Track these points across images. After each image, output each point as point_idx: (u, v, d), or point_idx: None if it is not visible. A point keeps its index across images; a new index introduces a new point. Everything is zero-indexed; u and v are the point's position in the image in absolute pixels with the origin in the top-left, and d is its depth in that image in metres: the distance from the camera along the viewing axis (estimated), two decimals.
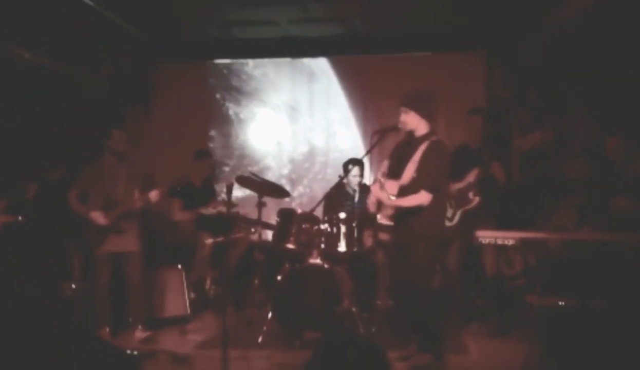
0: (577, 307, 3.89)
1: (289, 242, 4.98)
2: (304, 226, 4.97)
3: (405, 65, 7.00)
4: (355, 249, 4.95)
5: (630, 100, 5.31)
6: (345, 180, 5.55)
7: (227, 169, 7.46)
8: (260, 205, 5.30)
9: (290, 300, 4.81)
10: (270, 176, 7.13)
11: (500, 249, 4.70)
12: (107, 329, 4.97)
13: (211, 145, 7.42)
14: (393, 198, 4.17)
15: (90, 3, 5.50)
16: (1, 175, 5.28)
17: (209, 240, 5.87)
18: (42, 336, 3.41)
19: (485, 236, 4.22)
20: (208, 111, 7.48)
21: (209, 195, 6.23)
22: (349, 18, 6.48)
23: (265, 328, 4.81)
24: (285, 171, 7.43)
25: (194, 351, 4.79)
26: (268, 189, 5.33)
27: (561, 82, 6.10)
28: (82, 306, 5.16)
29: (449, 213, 5.23)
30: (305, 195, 7.33)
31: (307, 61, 7.36)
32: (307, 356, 3.34)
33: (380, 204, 4.40)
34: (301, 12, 6.24)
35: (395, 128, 4.30)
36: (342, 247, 4.91)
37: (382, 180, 4.22)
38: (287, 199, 6.15)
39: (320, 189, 7.11)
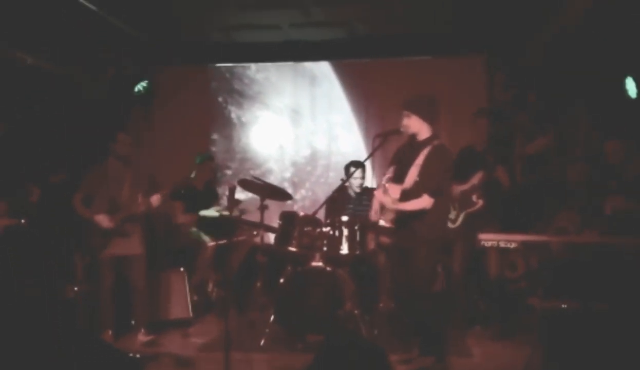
0: (579, 310, 3.88)
1: (291, 245, 4.99)
2: (306, 229, 4.97)
3: (406, 69, 7.01)
4: (357, 252, 4.95)
5: (630, 101, 5.32)
6: (347, 183, 5.56)
7: (229, 172, 7.47)
8: (263, 208, 5.30)
9: (292, 302, 4.81)
10: (273, 179, 7.13)
11: (503, 251, 4.69)
12: (110, 332, 4.97)
13: (213, 148, 7.43)
14: (395, 202, 4.18)
15: (93, 7, 5.52)
16: (3, 178, 5.29)
17: (212, 243, 5.89)
18: (45, 339, 3.42)
19: (488, 239, 4.21)
20: (210, 114, 7.49)
21: (211, 198, 6.25)
22: (350, 22, 6.50)
23: (267, 331, 4.81)
24: (287, 174, 7.44)
25: (196, 354, 4.78)
26: (270, 192, 5.34)
27: (561, 83, 6.10)
28: (85, 309, 5.17)
29: (452, 215, 5.23)
30: (307, 198, 7.35)
31: (309, 65, 7.37)
32: (309, 359, 3.33)
33: (383, 208, 4.41)
34: (303, 16, 6.26)
35: (397, 131, 4.32)
36: (344, 249, 4.91)
37: (387, 185, 4.23)
38: (289, 202, 6.17)
39: (323, 192, 7.12)
